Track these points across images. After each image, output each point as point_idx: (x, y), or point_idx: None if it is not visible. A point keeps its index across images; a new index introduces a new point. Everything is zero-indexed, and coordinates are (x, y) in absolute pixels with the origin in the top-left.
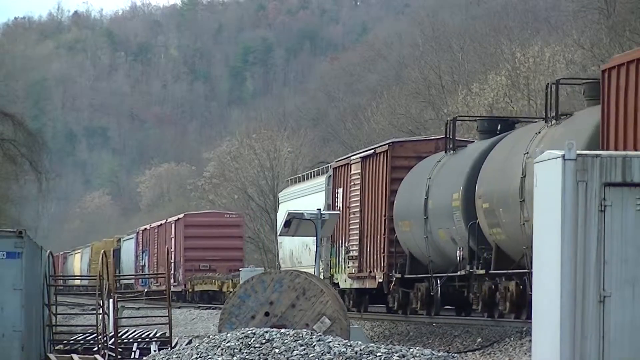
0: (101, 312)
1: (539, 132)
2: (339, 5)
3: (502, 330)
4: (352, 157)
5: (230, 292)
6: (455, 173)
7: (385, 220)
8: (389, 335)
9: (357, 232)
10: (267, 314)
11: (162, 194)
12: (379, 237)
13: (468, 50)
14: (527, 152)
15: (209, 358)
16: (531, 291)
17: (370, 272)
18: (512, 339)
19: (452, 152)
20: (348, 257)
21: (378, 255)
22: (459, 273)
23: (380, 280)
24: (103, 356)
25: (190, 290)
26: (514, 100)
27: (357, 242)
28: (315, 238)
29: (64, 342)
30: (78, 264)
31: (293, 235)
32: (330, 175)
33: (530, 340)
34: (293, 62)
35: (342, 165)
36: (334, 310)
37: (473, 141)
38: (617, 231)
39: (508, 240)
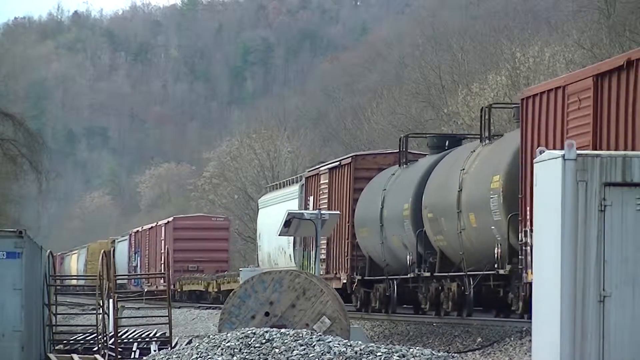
0: (101, 312)
1: (474, 151)
2: (339, 5)
3: (502, 330)
4: (321, 168)
5: (215, 291)
6: (406, 185)
7: (348, 226)
8: (389, 335)
9: (325, 237)
10: (267, 314)
11: (162, 194)
12: (343, 242)
13: (468, 50)
14: (464, 169)
15: (209, 358)
16: (469, 291)
17: (336, 273)
18: (512, 339)
19: (405, 165)
20: (318, 259)
21: (342, 259)
22: (409, 275)
23: (345, 281)
24: (103, 356)
25: (179, 290)
26: (514, 100)
27: (325, 246)
28: (290, 242)
29: (64, 342)
30: (75, 264)
31: (293, 235)
32: (302, 184)
33: (530, 340)
34: (293, 62)
35: (312, 175)
36: (334, 310)
37: (426, 154)
38: (617, 231)
39: (449, 246)
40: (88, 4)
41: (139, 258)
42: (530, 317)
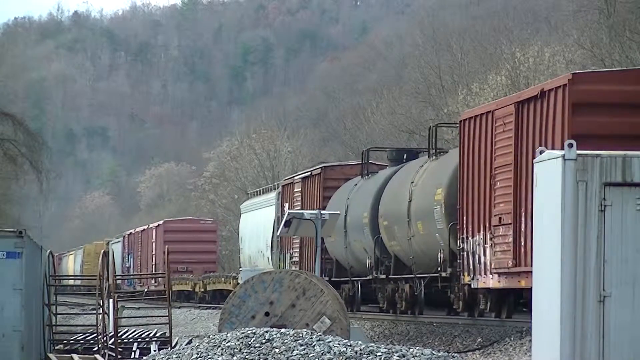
0: (101, 312)
1: (422, 166)
2: (339, 5)
3: (502, 330)
4: (295, 177)
5: (202, 291)
6: (366, 195)
7: None
8: (389, 335)
9: (298, 240)
10: (267, 314)
11: (162, 194)
12: (313, 245)
13: (468, 50)
14: (413, 182)
15: (209, 358)
16: (417, 291)
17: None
18: (512, 338)
19: (367, 177)
20: (292, 262)
21: (312, 261)
22: (369, 277)
23: None
24: (103, 356)
25: (169, 289)
26: None
27: (298, 250)
28: (268, 246)
29: (64, 342)
30: (72, 264)
31: (293, 235)
32: (279, 192)
33: (530, 340)
34: (293, 62)
35: (288, 184)
36: (334, 310)
37: (386, 166)
38: (617, 231)
39: (402, 251)
40: (88, 4)
41: (132, 259)
42: (470, 315)
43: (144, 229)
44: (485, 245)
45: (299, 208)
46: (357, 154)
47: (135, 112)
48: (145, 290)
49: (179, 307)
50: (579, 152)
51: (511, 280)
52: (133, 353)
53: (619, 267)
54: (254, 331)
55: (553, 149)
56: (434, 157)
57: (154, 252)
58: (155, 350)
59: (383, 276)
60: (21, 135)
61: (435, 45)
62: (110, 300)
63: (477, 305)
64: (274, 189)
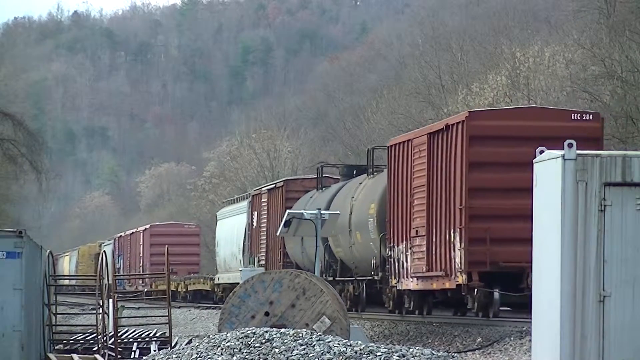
0: (101, 312)
1: (362, 183)
2: (339, 5)
3: (502, 330)
4: (262, 189)
5: (184, 291)
6: (318, 207)
7: (281, 237)
8: (389, 335)
9: (265, 245)
10: (267, 313)
11: (162, 194)
12: (277, 250)
13: (468, 50)
14: (353, 197)
15: (209, 358)
16: (358, 292)
17: None
18: (512, 338)
19: (321, 190)
20: (260, 265)
21: (276, 264)
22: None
23: None
24: (103, 356)
25: (155, 289)
26: (514, 100)
27: (265, 253)
28: (240, 250)
29: (64, 341)
30: (67, 265)
31: (293, 235)
32: (250, 201)
33: (530, 340)
34: (293, 62)
35: (257, 194)
36: (334, 310)
37: (339, 179)
38: (617, 231)
39: (345, 256)
40: (88, 3)
41: (121, 260)
42: (399, 313)
43: (132, 232)
44: (407, 253)
45: (265, 217)
46: (357, 153)
47: (135, 112)
48: (135, 290)
49: (179, 307)
50: (578, 152)
51: (425, 283)
52: (133, 353)
53: (619, 267)
54: (253, 331)
55: (455, 174)
56: (371, 175)
57: (141, 254)
58: (155, 350)
59: (331, 278)
60: (21, 135)
61: (435, 45)
62: (110, 300)
63: (403, 304)
64: (246, 198)
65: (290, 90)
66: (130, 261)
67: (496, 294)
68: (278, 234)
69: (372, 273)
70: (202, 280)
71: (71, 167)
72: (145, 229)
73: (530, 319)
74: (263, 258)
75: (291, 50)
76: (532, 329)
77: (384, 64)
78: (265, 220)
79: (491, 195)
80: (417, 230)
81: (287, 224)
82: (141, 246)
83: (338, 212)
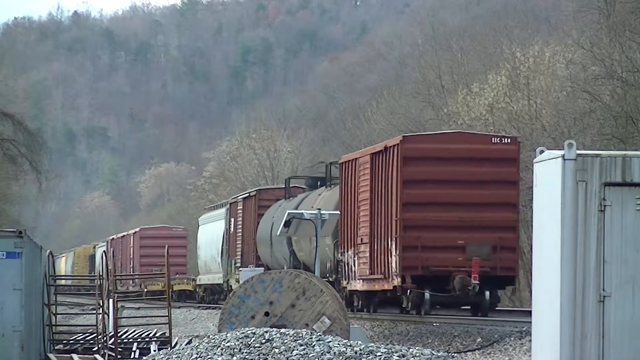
0: (101, 312)
1: (320, 194)
2: (339, 5)
3: (502, 330)
4: (238, 197)
5: (170, 291)
6: (284, 215)
7: (253, 242)
8: (389, 335)
9: (240, 249)
10: (267, 314)
11: (161, 194)
12: (250, 253)
13: (468, 50)
14: (313, 206)
15: (209, 358)
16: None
17: None
18: (512, 338)
19: (288, 199)
20: (235, 267)
21: (249, 265)
22: None
23: None
24: (103, 356)
25: (145, 289)
26: (514, 100)
27: (240, 257)
28: (219, 253)
29: (64, 342)
30: (63, 266)
31: (293, 235)
32: (228, 208)
33: (530, 340)
34: (293, 62)
35: (234, 202)
36: (334, 310)
37: (304, 189)
38: (617, 231)
39: (307, 260)
40: (88, 4)
41: (112, 262)
42: (351, 311)
43: (123, 235)
44: (354, 258)
45: (241, 224)
46: None
47: (135, 112)
48: (125, 290)
49: (179, 307)
50: (578, 152)
51: (369, 285)
52: (133, 353)
53: (619, 267)
54: (253, 331)
55: (392, 189)
56: (329, 187)
57: (131, 256)
58: (155, 350)
59: None
60: (21, 135)
61: (435, 45)
62: (110, 300)
63: (353, 303)
64: (224, 205)
65: (290, 90)
66: (122, 262)
67: (427, 295)
68: (278, 234)
69: (328, 275)
70: (185, 281)
71: (71, 167)
72: (135, 232)
73: (530, 319)
74: (239, 261)
75: (291, 50)
76: (532, 329)
77: (384, 64)
78: (241, 226)
79: (422, 209)
80: (362, 238)
81: (287, 224)
82: (131, 248)
83: (338, 212)
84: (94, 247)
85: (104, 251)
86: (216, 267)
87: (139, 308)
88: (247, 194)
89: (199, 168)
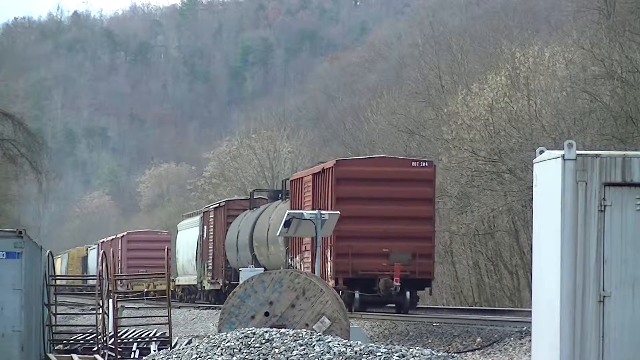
0: (101, 312)
1: (277, 206)
2: (339, 5)
3: (502, 330)
4: (210, 207)
5: (153, 290)
6: (248, 224)
7: (223, 247)
8: (389, 335)
9: (212, 254)
10: (266, 314)
11: (161, 194)
12: (220, 258)
13: (468, 50)
14: (270, 217)
15: (209, 358)
16: None
17: (217, 279)
18: (512, 339)
19: (252, 210)
20: (208, 270)
21: (220, 270)
22: None
23: (221, 285)
24: (103, 356)
25: (131, 289)
26: (514, 100)
27: (212, 261)
28: (194, 257)
29: (64, 342)
30: (58, 266)
31: (293, 235)
32: (201, 217)
33: (530, 340)
34: (293, 62)
35: (206, 211)
36: (334, 310)
37: (267, 200)
38: (617, 231)
39: (266, 264)
40: (88, 4)
41: (104, 263)
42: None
43: (112, 238)
44: (301, 263)
45: (212, 231)
46: (356, 153)
47: (135, 112)
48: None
49: (179, 307)
50: (578, 152)
51: None
52: (133, 353)
53: (618, 267)
54: (253, 331)
55: (328, 205)
56: (284, 200)
57: (119, 258)
58: (155, 350)
59: None
60: (21, 135)
61: (435, 45)
62: (110, 301)
63: None
64: (199, 214)
65: (290, 90)
66: (110, 264)
67: (356, 295)
68: (278, 234)
69: None
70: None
71: (71, 167)
72: (123, 235)
73: (530, 319)
74: (210, 264)
75: (291, 50)
76: (532, 329)
77: (384, 64)
78: (213, 233)
79: (353, 222)
80: (305, 246)
81: (287, 224)
82: (119, 251)
83: (338, 212)
84: (87, 249)
85: (104, 252)
86: (192, 269)
87: (139, 308)
88: (218, 204)
89: (199, 168)
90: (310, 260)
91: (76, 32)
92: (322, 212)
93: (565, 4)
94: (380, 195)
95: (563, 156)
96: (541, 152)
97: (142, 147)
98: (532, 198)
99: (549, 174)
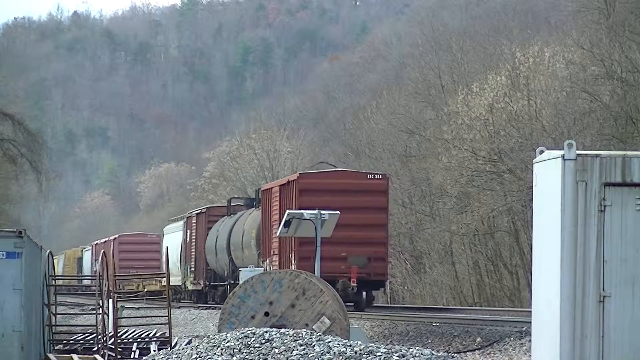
0: (101, 312)
1: (251, 214)
2: (339, 5)
3: (502, 330)
4: (193, 212)
5: (142, 290)
6: (226, 229)
7: (204, 250)
8: (389, 335)
9: (194, 257)
10: (266, 314)
11: (161, 194)
12: (201, 260)
13: (468, 50)
14: (244, 223)
15: (209, 358)
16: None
17: (199, 280)
18: (512, 339)
19: (230, 216)
20: (190, 271)
21: (201, 271)
22: (228, 282)
23: (202, 285)
24: (103, 356)
25: (122, 289)
26: (514, 100)
27: (194, 263)
28: (178, 260)
29: (64, 342)
30: (56, 267)
31: (293, 235)
32: (185, 222)
33: (530, 340)
34: (293, 62)
35: (190, 216)
36: (334, 310)
37: (243, 207)
38: (617, 231)
39: (243, 266)
40: (88, 4)
41: (98, 264)
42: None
43: (105, 241)
44: (270, 265)
45: (194, 234)
46: (357, 153)
47: (135, 112)
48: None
49: (179, 307)
50: (578, 152)
51: None
52: (133, 353)
53: (618, 267)
54: (253, 331)
55: None
56: (257, 208)
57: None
58: (155, 350)
59: (232, 281)
60: (21, 135)
61: (435, 45)
62: (110, 301)
63: None
64: (182, 219)
65: (290, 90)
66: (103, 265)
67: None
68: (278, 234)
69: None
70: (154, 282)
71: (71, 167)
72: (115, 238)
73: (530, 319)
74: (193, 266)
75: (291, 50)
76: (532, 329)
77: (384, 64)
78: (195, 237)
79: None
80: (274, 250)
81: (287, 224)
82: (111, 252)
83: (338, 212)
84: (82, 251)
85: (104, 252)
86: (176, 271)
87: (139, 308)
88: (199, 210)
89: (199, 168)
90: (277, 262)
91: (76, 32)
92: (322, 212)
93: (565, 4)
94: (338, 204)
95: (563, 156)
96: (541, 152)
97: (142, 147)
98: (532, 198)
99: (549, 174)
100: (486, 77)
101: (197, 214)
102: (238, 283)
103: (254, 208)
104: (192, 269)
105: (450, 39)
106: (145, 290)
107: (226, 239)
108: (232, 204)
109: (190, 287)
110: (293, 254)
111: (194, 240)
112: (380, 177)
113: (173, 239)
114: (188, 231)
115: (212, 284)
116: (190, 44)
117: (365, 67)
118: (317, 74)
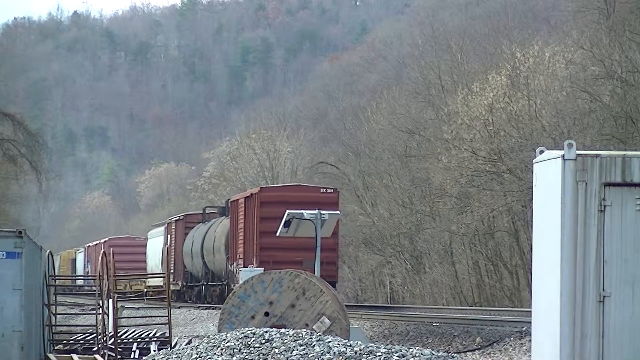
0: (101, 312)
1: (221, 221)
2: (339, 5)
3: (502, 330)
4: (172, 219)
5: (129, 290)
6: (200, 235)
7: (181, 254)
8: (389, 335)
9: (173, 260)
10: (266, 314)
11: (161, 194)
12: (180, 262)
13: (468, 50)
14: (216, 230)
15: (209, 358)
16: (219, 292)
17: (177, 281)
18: (512, 339)
19: (204, 223)
20: (170, 273)
21: (179, 273)
22: (202, 283)
23: (181, 285)
24: (103, 356)
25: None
26: (514, 100)
27: (173, 265)
28: (160, 262)
29: (64, 342)
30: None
31: (293, 235)
32: (165, 227)
33: (530, 340)
34: (293, 62)
35: (169, 222)
36: (334, 310)
37: (217, 215)
38: (617, 231)
39: (214, 269)
40: (88, 4)
41: (90, 265)
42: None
43: (97, 243)
44: (237, 268)
45: (174, 240)
46: (357, 154)
47: (135, 112)
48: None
49: (179, 308)
50: (578, 152)
51: None
52: (133, 353)
53: (618, 267)
54: (253, 331)
55: (254, 222)
56: (227, 217)
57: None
58: (155, 351)
59: (206, 283)
60: (21, 135)
61: (435, 45)
62: (110, 301)
63: None
64: (164, 225)
65: (290, 90)
66: (95, 267)
67: None
68: (278, 234)
69: (223, 280)
70: (139, 282)
71: (71, 167)
72: (105, 241)
73: (530, 319)
74: (172, 268)
75: (291, 50)
76: (532, 329)
77: (384, 64)
78: (174, 242)
79: (273, 237)
80: (239, 255)
81: (287, 224)
82: (102, 254)
83: (338, 212)
84: (75, 252)
85: (104, 252)
86: (161, 272)
87: (138, 308)
88: (178, 217)
89: (199, 168)
90: (242, 266)
91: (76, 32)
92: (322, 212)
93: (565, 4)
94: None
95: (563, 156)
96: (541, 152)
97: (142, 147)
98: (532, 198)
99: (549, 174)
100: (486, 77)
101: (175, 220)
102: (211, 284)
103: (224, 217)
104: (172, 271)
105: (450, 39)
106: (132, 289)
107: (200, 244)
108: (207, 212)
109: (171, 287)
110: (255, 258)
111: (173, 245)
112: (332, 191)
113: (155, 243)
114: (168, 236)
115: (188, 284)
116: (190, 44)
117: (365, 67)
118: (317, 74)
